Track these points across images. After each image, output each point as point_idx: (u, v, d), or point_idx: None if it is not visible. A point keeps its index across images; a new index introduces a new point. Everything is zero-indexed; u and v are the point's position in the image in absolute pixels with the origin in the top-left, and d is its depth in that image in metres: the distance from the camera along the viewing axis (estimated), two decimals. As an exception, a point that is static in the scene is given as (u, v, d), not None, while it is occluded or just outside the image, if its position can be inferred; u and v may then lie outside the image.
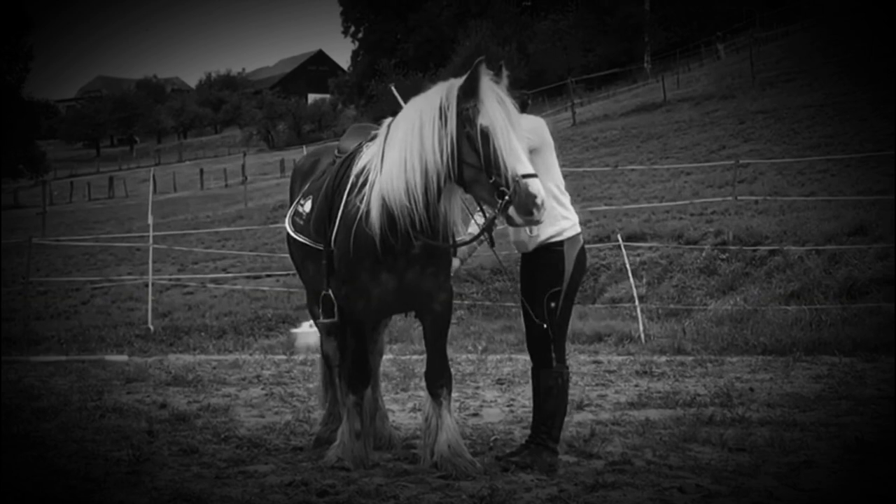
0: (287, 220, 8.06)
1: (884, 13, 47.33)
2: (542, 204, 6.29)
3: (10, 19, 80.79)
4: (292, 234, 7.91)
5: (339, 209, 7.22)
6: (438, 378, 7.23)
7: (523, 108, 7.25)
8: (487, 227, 6.79)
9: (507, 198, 6.33)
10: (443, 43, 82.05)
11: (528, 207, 6.29)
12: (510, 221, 6.44)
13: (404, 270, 6.99)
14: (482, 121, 6.51)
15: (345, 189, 7.20)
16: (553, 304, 7.12)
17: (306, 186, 8.03)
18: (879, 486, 6.65)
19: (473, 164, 6.52)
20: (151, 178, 26.87)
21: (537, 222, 6.43)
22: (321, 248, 7.44)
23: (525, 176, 6.33)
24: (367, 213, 6.87)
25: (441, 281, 7.17)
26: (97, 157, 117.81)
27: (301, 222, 7.80)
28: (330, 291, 7.43)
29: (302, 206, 7.86)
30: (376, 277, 7.01)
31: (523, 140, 6.57)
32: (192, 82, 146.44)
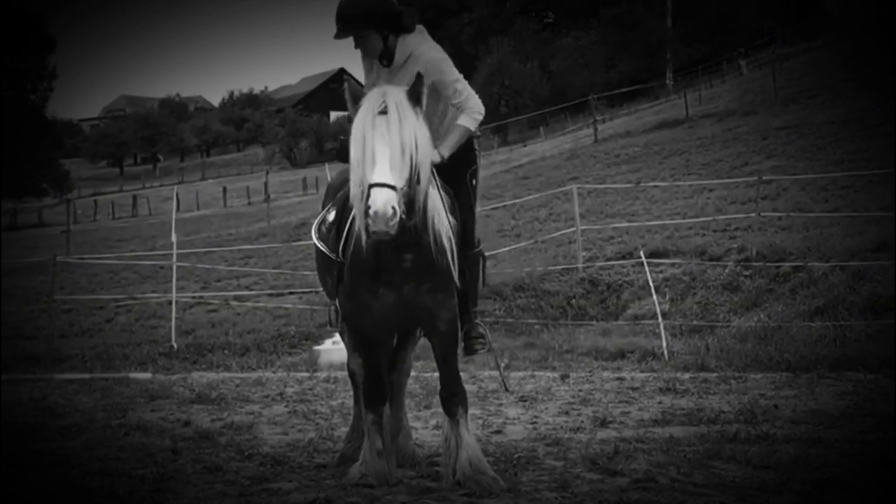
0: (314, 227, 8.07)
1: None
2: (377, 215, 6.18)
3: (35, 39, 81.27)
4: (315, 241, 7.90)
5: (347, 222, 7.23)
6: (453, 397, 7.21)
7: (409, 28, 7.34)
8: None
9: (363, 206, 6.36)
10: (464, 60, 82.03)
11: (366, 220, 6.31)
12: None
13: (400, 285, 6.92)
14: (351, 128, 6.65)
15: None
16: None
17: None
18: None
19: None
20: (175, 197, 27.09)
21: (386, 234, 6.28)
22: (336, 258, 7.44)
23: (372, 185, 6.31)
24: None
25: (440, 299, 7.05)
26: (121, 176, 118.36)
27: (325, 231, 7.82)
28: (336, 303, 7.47)
29: (328, 215, 7.87)
30: (374, 292, 6.98)
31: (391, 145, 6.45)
32: (215, 101, 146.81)
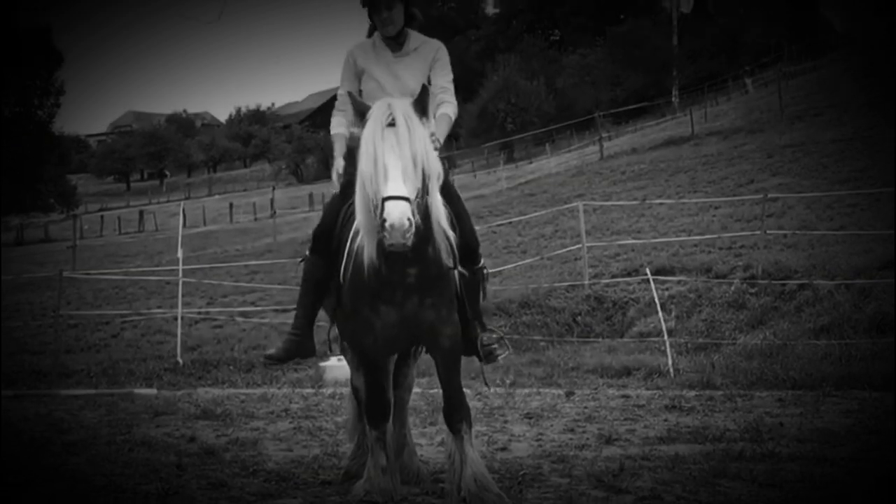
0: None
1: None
2: (393, 227, 6.13)
3: (42, 55, 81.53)
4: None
5: (346, 241, 7.18)
6: (456, 414, 7.15)
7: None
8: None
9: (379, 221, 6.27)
10: (470, 77, 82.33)
11: (382, 234, 6.25)
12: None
13: (403, 302, 6.85)
14: (359, 143, 6.61)
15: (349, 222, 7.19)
16: None
17: None
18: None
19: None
20: (181, 212, 26.99)
21: (403, 246, 6.23)
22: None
23: (386, 198, 6.25)
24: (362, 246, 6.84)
25: (444, 314, 7.00)
26: (127, 192, 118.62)
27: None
28: (335, 327, 7.48)
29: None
30: (376, 310, 6.90)
31: (402, 156, 6.43)
32: (222, 117, 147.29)
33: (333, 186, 7.55)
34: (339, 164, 7.51)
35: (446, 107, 7.26)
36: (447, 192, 7.17)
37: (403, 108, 6.54)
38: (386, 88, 7.37)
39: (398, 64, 7.51)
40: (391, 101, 6.63)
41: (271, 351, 7.63)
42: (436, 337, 7.07)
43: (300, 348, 7.62)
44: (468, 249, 7.32)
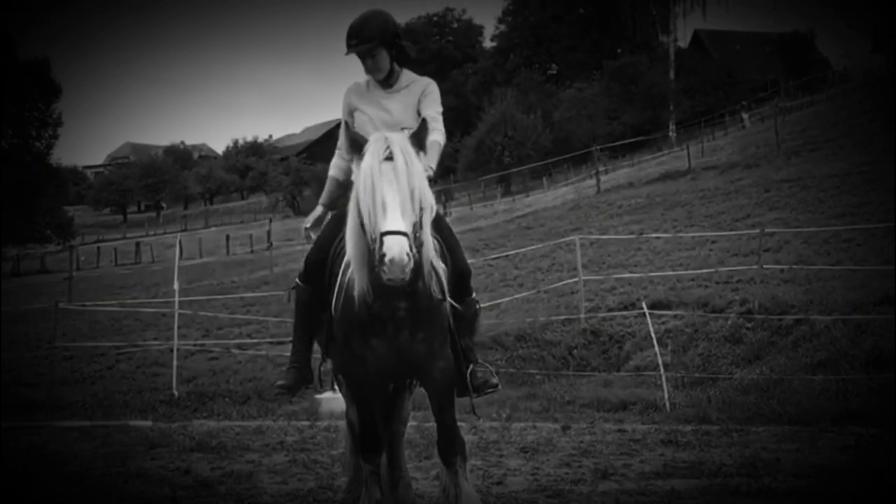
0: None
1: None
2: (393, 262, 6.13)
3: (41, 87, 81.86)
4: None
5: (338, 274, 7.19)
6: (451, 447, 7.17)
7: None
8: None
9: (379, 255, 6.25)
10: (468, 110, 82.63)
11: (381, 268, 6.23)
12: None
13: (394, 335, 6.84)
14: (354, 178, 6.68)
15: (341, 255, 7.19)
16: None
17: None
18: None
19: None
20: (178, 244, 27.10)
21: (402, 280, 6.23)
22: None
23: (385, 233, 6.25)
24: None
25: (436, 348, 6.99)
26: (124, 223, 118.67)
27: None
28: (324, 363, 7.50)
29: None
30: (367, 343, 6.88)
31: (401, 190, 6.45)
32: (219, 149, 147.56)
33: (306, 222, 7.87)
34: (317, 211, 7.89)
35: (435, 134, 7.28)
36: (438, 224, 7.18)
37: (401, 142, 6.55)
38: (375, 121, 7.45)
39: (388, 99, 7.60)
40: (389, 135, 6.63)
41: (281, 381, 7.63)
42: (428, 370, 7.05)
43: (303, 377, 7.67)
44: (460, 281, 7.33)
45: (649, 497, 8.55)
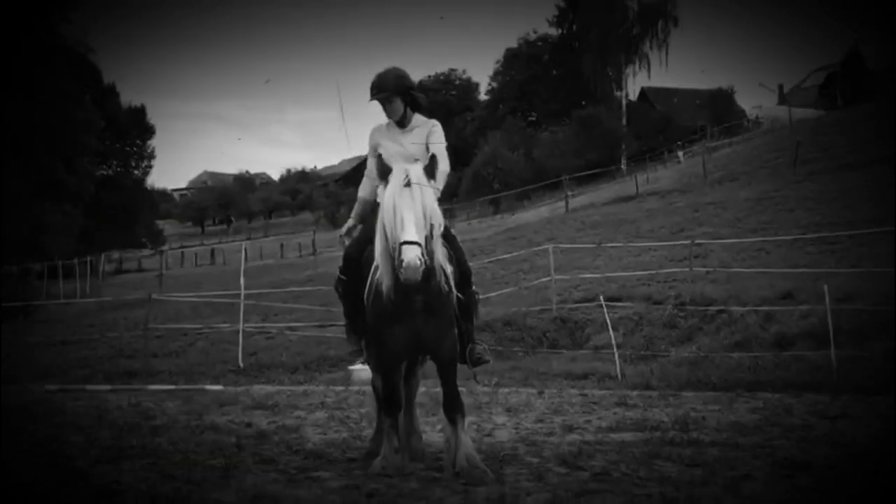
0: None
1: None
2: (409, 266, 6.27)
3: (139, 128, 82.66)
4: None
5: (369, 274, 7.22)
6: (453, 407, 7.20)
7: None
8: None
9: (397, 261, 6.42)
10: (467, 148, 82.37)
11: (399, 270, 6.38)
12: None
13: (412, 321, 6.92)
14: (379, 199, 6.81)
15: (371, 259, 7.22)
16: None
17: None
18: (804, 496, 6.58)
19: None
20: (243, 250, 27.06)
21: (416, 280, 6.37)
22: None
23: (403, 243, 6.38)
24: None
25: (444, 331, 7.06)
26: (202, 234, 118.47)
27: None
28: (363, 344, 7.66)
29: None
30: (391, 328, 6.97)
31: (414, 209, 6.56)
32: (276, 176, 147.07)
33: (341, 231, 7.94)
34: (350, 223, 7.91)
35: (442, 165, 7.32)
36: (446, 234, 7.27)
37: (417, 172, 6.68)
38: (393, 154, 7.45)
39: (403, 137, 7.65)
40: (408, 166, 6.75)
41: (354, 347, 7.92)
42: (437, 348, 7.13)
43: (359, 346, 7.86)
44: (463, 278, 7.37)
45: (605, 446, 8.54)
